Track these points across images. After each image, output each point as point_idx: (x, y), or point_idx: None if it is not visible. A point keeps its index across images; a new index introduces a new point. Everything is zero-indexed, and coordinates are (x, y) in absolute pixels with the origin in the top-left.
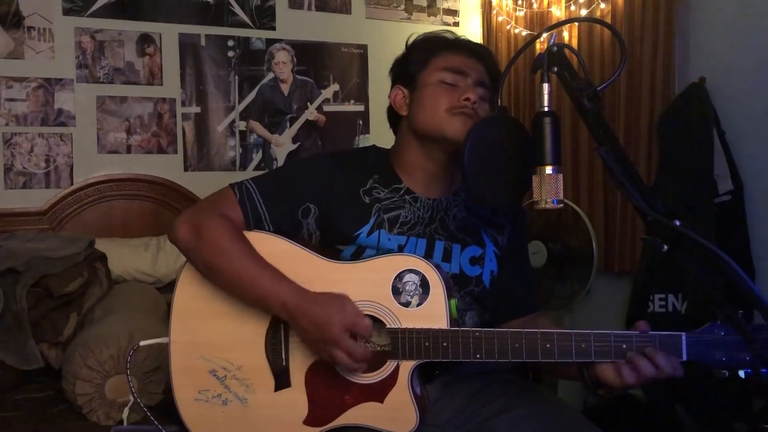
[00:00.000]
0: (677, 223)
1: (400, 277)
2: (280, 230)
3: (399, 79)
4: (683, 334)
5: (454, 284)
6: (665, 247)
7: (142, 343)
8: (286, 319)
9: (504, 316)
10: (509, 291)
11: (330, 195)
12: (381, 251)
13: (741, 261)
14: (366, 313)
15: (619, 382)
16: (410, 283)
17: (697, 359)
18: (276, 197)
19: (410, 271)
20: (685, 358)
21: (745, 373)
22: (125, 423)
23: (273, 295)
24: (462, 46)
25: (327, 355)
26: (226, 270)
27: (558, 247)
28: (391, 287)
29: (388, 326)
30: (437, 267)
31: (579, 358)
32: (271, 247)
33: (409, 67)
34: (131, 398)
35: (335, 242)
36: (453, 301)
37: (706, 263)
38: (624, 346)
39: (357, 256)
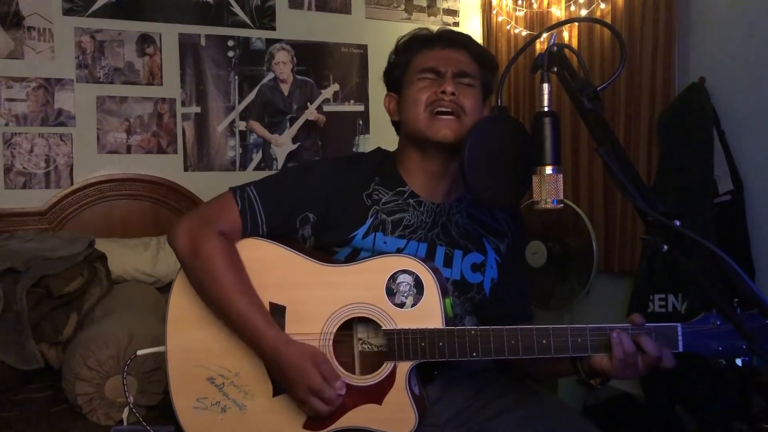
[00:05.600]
0: (677, 223)
1: (393, 278)
2: (274, 235)
3: (389, 86)
4: (679, 324)
5: (455, 290)
6: (665, 247)
7: (140, 352)
8: None
9: (495, 323)
10: (503, 299)
11: (330, 203)
12: (376, 254)
13: (741, 261)
14: (360, 315)
15: (611, 367)
16: (404, 283)
17: (694, 350)
18: (277, 207)
19: (404, 271)
20: (681, 349)
21: (743, 361)
22: (125, 423)
23: (254, 340)
24: (437, 40)
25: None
26: (216, 297)
27: (558, 247)
28: (385, 288)
29: (384, 328)
30: (431, 267)
31: (576, 353)
32: (265, 252)
33: (394, 72)
34: (129, 401)
35: (331, 244)
36: (448, 300)
37: (706, 263)
38: None
39: (351, 258)
